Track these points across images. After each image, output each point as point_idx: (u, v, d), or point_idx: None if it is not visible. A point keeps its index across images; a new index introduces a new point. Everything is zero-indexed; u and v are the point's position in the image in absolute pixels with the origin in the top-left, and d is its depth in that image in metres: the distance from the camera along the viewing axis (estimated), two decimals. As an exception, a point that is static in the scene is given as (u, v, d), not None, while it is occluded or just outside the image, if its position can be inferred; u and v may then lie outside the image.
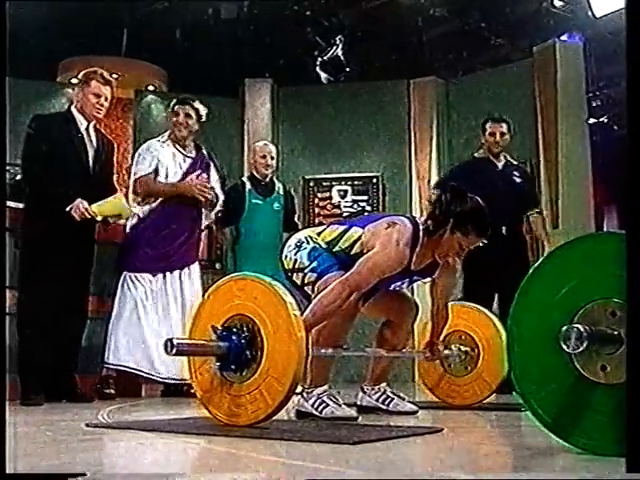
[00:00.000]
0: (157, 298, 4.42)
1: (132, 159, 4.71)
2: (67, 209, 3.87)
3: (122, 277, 4.43)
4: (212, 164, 4.71)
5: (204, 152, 4.73)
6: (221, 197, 4.68)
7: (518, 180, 4.82)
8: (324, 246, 3.00)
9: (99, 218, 4.02)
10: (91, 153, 4.09)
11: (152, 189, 4.48)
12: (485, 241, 2.94)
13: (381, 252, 2.82)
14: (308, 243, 3.02)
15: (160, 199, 4.48)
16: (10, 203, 4.09)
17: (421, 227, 2.93)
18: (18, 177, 4.83)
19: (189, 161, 4.59)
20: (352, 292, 2.74)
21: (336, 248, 2.98)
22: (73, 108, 4.13)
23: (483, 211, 2.92)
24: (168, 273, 4.47)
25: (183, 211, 4.51)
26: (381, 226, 2.92)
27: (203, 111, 4.65)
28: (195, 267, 4.68)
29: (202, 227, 4.77)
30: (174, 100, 4.74)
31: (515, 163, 4.99)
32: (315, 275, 2.93)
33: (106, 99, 4.14)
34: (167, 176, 4.50)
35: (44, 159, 3.91)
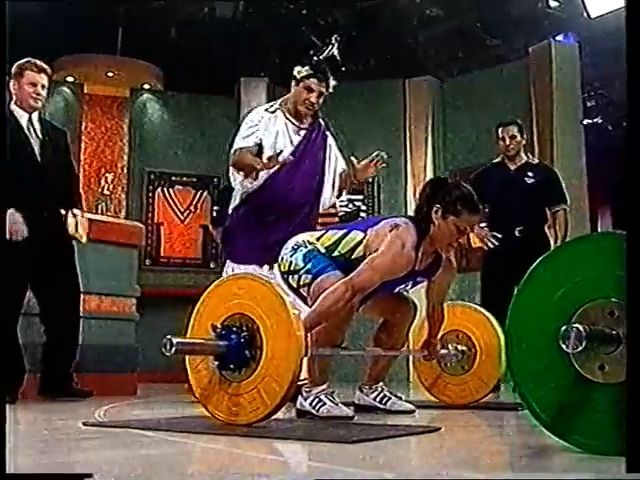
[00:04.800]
0: None
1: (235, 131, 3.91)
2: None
3: (225, 266, 3.91)
4: (330, 135, 4.00)
5: (321, 121, 3.98)
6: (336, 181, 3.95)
7: (530, 180, 4.78)
8: (322, 250, 2.98)
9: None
10: (36, 144, 3.97)
11: (246, 163, 3.73)
12: (478, 224, 3.01)
13: (387, 254, 2.83)
14: (305, 246, 3.00)
15: (264, 179, 3.76)
16: None
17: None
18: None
19: (303, 133, 3.88)
20: (355, 293, 2.75)
21: (335, 253, 2.97)
22: (12, 104, 3.99)
23: (467, 189, 2.99)
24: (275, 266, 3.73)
25: (294, 194, 3.81)
26: (384, 228, 2.93)
27: (332, 85, 3.88)
28: None
29: (322, 210, 4.00)
30: (307, 69, 3.83)
31: (535, 162, 5.00)
32: (310, 276, 2.92)
33: (43, 87, 4.01)
34: (276, 152, 3.73)
35: None
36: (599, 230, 9.74)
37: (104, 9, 8.07)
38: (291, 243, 3.07)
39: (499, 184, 4.76)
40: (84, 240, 4.01)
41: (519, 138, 4.85)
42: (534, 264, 2.04)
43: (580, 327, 1.82)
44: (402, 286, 3.11)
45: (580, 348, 1.81)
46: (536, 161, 5.00)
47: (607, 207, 11.18)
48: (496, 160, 5.02)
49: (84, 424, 2.55)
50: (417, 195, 3.18)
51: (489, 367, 3.55)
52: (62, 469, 1.63)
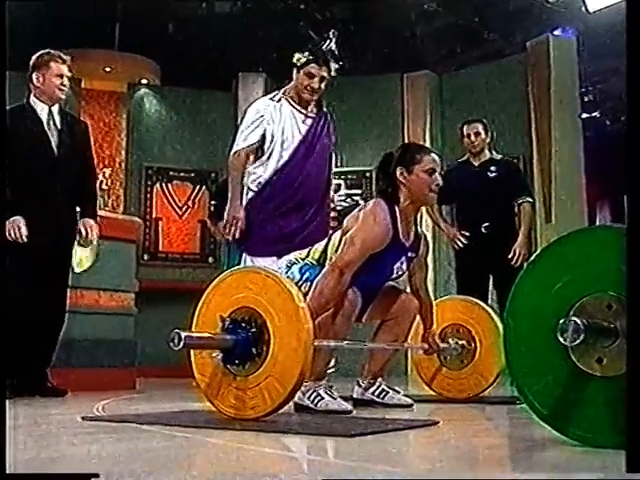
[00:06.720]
0: None
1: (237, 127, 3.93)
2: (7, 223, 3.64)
3: (242, 260, 3.83)
4: (332, 125, 4.02)
5: (325, 110, 3.98)
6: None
7: (492, 175, 4.82)
8: (314, 263, 3.07)
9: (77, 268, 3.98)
10: (54, 137, 3.93)
11: (233, 173, 3.80)
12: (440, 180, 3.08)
13: (361, 227, 2.94)
14: (298, 262, 3.10)
15: (274, 169, 3.77)
16: None
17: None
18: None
19: (309, 121, 3.88)
20: (342, 271, 2.84)
21: (327, 263, 3.02)
22: (32, 97, 3.96)
23: (411, 142, 3.19)
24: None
25: (307, 182, 3.81)
26: (355, 213, 3.07)
27: (333, 68, 3.89)
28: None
29: (332, 200, 4.09)
30: (306, 55, 3.83)
31: (497, 158, 4.98)
32: (309, 285, 2.97)
33: (68, 79, 4.01)
34: (283, 142, 3.78)
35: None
36: (597, 223, 9.75)
37: (102, 4, 8.04)
38: (283, 262, 3.17)
39: (464, 181, 4.82)
40: (87, 265, 4.04)
41: (483, 135, 4.89)
42: (532, 257, 2.05)
43: (578, 320, 1.82)
44: (397, 264, 3.13)
45: (578, 341, 1.82)
46: (499, 157, 5.01)
47: (605, 201, 11.19)
48: (461, 159, 5.07)
49: (83, 418, 2.55)
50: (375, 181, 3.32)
51: (489, 361, 3.55)
52: (59, 463, 1.63)
